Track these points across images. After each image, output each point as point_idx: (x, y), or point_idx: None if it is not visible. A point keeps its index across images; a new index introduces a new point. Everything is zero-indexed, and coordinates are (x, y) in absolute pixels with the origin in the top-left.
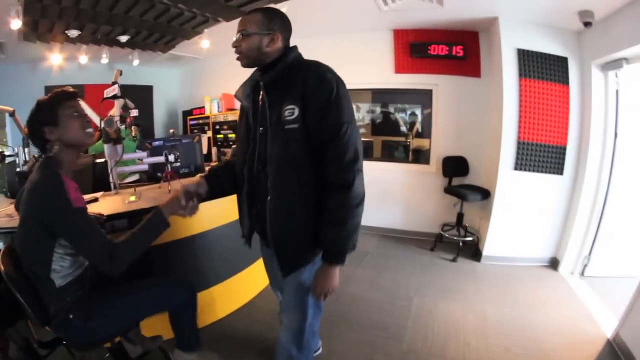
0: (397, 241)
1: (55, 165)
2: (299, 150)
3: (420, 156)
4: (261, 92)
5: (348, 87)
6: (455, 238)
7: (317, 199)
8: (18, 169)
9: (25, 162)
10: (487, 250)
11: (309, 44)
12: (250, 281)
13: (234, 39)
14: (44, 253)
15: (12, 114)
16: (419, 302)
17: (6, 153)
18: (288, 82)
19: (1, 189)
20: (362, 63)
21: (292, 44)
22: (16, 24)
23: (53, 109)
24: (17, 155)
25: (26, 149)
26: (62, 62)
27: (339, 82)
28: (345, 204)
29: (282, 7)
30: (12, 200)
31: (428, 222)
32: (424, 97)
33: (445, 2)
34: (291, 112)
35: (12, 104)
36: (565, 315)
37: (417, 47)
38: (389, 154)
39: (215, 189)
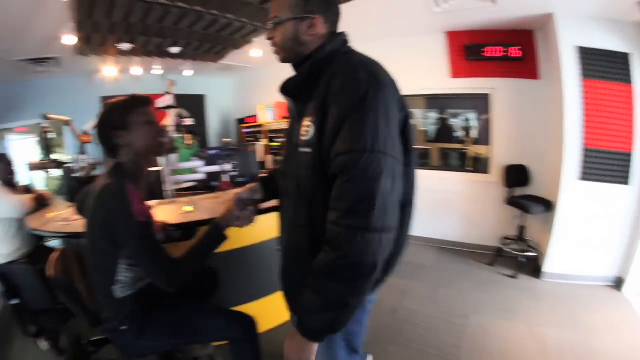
0: (455, 254)
1: (122, 172)
2: (310, 183)
3: (479, 164)
4: None
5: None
6: (515, 253)
7: None
8: (73, 175)
9: (82, 168)
10: (548, 266)
11: (359, 50)
12: None
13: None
14: (109, 262)
15: (67, 124)
16: (475, 320)
17: (64, 159)
18: (315, 85)
19: (60, 192)
20: (416, 68)
21: None
22: (70, 39)
23: (125, 114)
24: (75, 161)
25: (82, 156)
26: (116, 73)
27: (374, 85)
28: (330, 271)
29: None
30: (70, 204)
31: (487, 235)
32: (480, 102)
33: (498, 0)
34: (307, 130)
35: (70, 114)
36: (629, 342)
37: (472, 49)
38: (446, 162)
39: (272, 192)
